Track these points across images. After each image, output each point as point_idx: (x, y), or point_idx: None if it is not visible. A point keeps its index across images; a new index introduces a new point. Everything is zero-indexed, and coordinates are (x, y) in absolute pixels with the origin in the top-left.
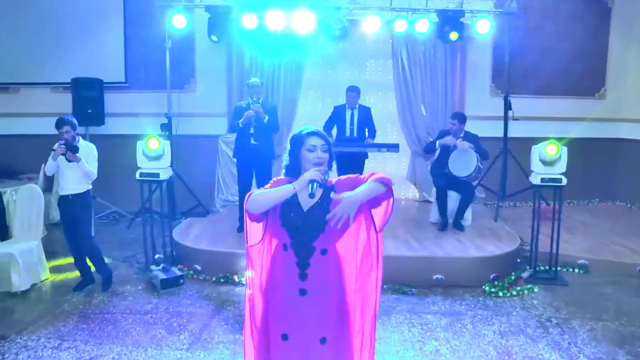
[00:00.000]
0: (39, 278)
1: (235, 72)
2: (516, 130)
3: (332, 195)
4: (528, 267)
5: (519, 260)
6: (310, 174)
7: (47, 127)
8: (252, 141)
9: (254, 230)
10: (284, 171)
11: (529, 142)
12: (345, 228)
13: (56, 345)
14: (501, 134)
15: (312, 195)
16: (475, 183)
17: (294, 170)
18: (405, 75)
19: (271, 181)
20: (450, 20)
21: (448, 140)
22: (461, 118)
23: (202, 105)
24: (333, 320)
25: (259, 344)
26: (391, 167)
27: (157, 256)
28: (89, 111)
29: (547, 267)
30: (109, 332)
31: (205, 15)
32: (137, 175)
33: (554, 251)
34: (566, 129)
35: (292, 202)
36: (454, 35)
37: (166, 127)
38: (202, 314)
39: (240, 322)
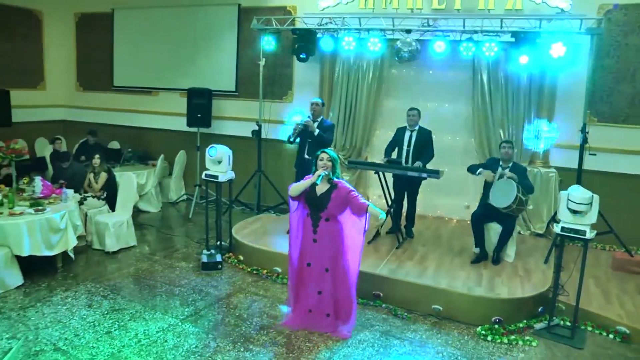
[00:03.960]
0: (127, 244)
1: (326, 85)
2: (617, 165)
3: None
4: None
5: (540, 309)
6: (319, 171)
7: (175, 124)
8: (306, 155)
9: (292, 205)
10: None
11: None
12: (341, 212)
13: (105, 294)
14: (595, 167)
15: (318, 182)
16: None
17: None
18: (485, 97)
19: (305, 177)
20: (526, 42)
21: (486, 175)
22: (512, 145)
23: (296, 114)
24: (332, 258)
25: (291, 271)
26: (468, 191)
27: (219, 242)
28: (199, 115)
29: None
30: (142, 294)
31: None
32: (203, 176)
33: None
34: None
35: (312, 190)
36: (524, 59)
37: (256, 133)
38: (216, 295)
39: (241, 308)
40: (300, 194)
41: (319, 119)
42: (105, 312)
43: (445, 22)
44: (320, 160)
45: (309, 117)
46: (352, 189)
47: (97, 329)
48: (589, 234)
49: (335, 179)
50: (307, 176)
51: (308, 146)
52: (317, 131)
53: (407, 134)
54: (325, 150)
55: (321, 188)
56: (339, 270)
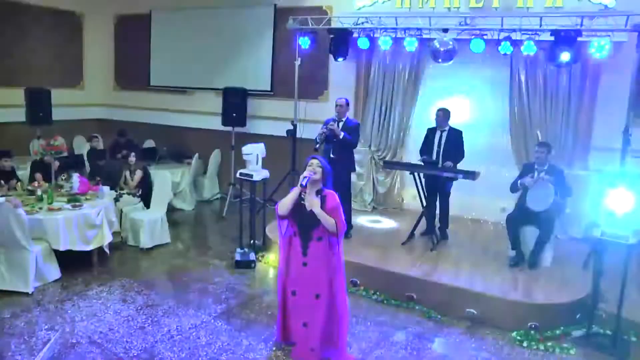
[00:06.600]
0: (162, 241)
1: (362, 85)
2: None
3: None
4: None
5: (578, 316)
6: (304, 173)
7: (210, 123)
8: (331, 155)
9: (282, 226)
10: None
11: None
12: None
13: (139, 290)
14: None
15: (304, 184)
16: None
17: None
18: (522, 97)
19: (291, 189)
20: (566, 40)
21: (527, 181)
22: (549, 148)
23: (332, 114)
24: (324, 283)
25: (280, 299)
26: (504, 193)
27: (252, 241)
28: (234, 115)
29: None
30: (176, 290)
31: None
32: (237, 175)
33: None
34: None
35: (300, 205)
36: (565, 57)
37: (291, 132)
38: (249, 294)
39: (273, 307)
40: (289, 211)
41: (344, 119)
42: (139, 308)
43: (483, 20)
44: (310, 166)
45: (333, 119)
46: (339, 204)
47: (131, 324)
48: (632, 239)
49: (325, 190)
50: (292, 188)
51: (333, 146)
52: (342, 134)
53: (438, 134)
54: (317, 157)
55: (311, 202)
56: (333, 294)
